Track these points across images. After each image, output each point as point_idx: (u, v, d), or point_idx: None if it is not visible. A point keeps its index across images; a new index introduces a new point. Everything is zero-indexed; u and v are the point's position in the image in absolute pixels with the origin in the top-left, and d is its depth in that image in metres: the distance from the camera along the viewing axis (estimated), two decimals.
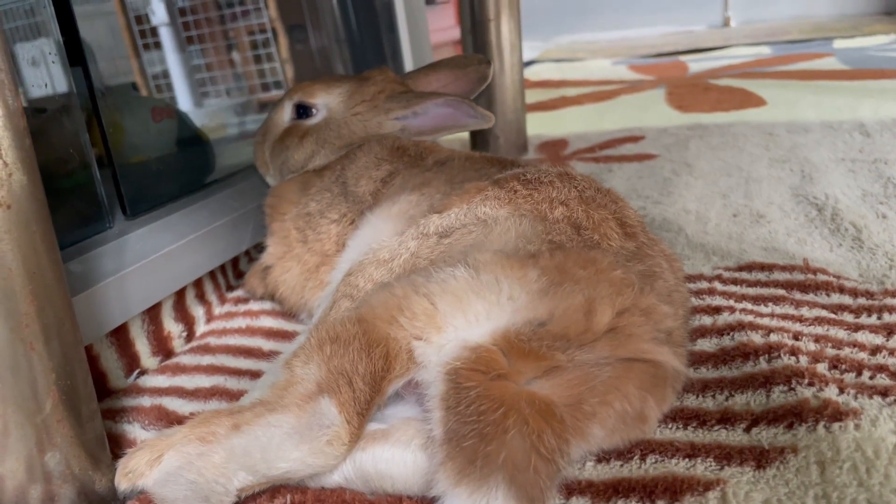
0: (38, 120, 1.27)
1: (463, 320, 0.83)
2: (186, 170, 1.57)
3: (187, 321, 1.36)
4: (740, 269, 1.32)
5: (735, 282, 1.27)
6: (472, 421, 0.75)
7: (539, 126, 2.84)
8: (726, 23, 6.22)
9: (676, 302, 0.91)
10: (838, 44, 4.33)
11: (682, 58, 4.51)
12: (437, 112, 1.34)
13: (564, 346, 0.80)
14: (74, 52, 1.33)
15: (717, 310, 1.14)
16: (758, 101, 2.85)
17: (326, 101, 1.41)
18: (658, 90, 3.37)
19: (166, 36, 2.86)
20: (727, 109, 2.77)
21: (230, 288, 1.54)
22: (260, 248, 1.43)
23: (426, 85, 1.48)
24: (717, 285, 1.25)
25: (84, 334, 1.09)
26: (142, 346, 1.26)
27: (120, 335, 1.22)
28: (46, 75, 1.25)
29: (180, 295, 1.35)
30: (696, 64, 4.13)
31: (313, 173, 1.38)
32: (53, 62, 1.25)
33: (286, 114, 1.44)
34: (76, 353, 0.84)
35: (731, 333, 1.06)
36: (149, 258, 1.23)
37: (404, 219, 1.13)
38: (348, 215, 1.28)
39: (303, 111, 1.41)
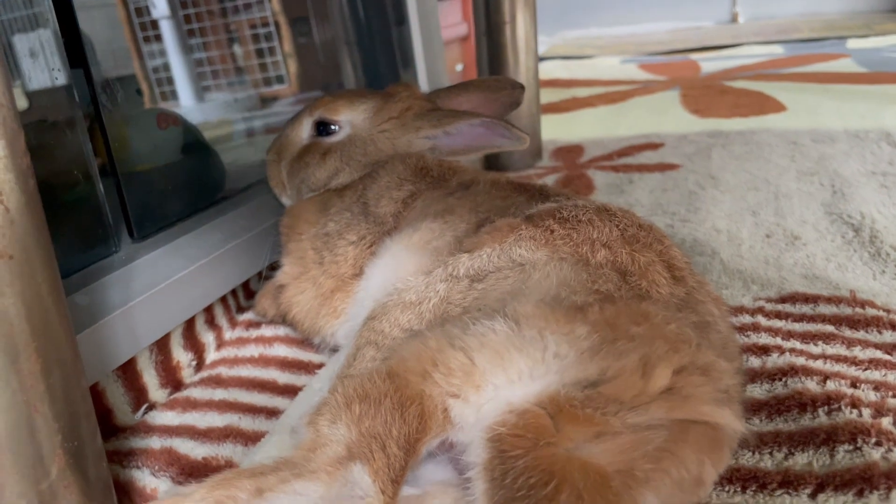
0: (37, 131, 1.19)
1: (504, 378, 0.76)
2: (195, 185, 1.49)
3: (197, 349, 1.29)
4: (783, 300, 1.25)
5: (779, 315, 1.20)
6: (522, 496, 0.68)
7: (552, 130, 2.76)
8: (734, 19, 6.14)
9: (732, 354, 0.84)
10: (852, 44, 4.25)
11: (693, 56, 4.42)
12: (469, 132, 1.26)
13: (616, 409, 0.73)
14: (75, 53, 1.25)
15: (765, 350, 1.07)
16: (777, 107, 2.77)
17: (350, 118, 1.34)
18: (672, 92, 3.30)
19: (167, 29, 2.79)
20: (746, 115, 2.70)
21: (241, 309, 1.47)
22: (274, 267, 1.36)
23: (456, 105, 1.40)
24: (761, 320, 1.18)
25: (89, 372, 1.02)
26: (149, 378, 1.19)
27: (126, 368, 1.15)
28: (47, 75, 1.17)
29: (190, 321, 1.28)
30: (708, 63, 4.05)
31: (334, 192, 1.31)
32: (54, 69, 1.17)
33: (305, 131, 1.37)
34: (84, 409, 0.77)
35: (784, 379, 0.99)
36: (158, 286, 1.16)
37: (428, 250, 1.06)
38: (367, 237, 1.21)
39: (324, 128, 1.34)
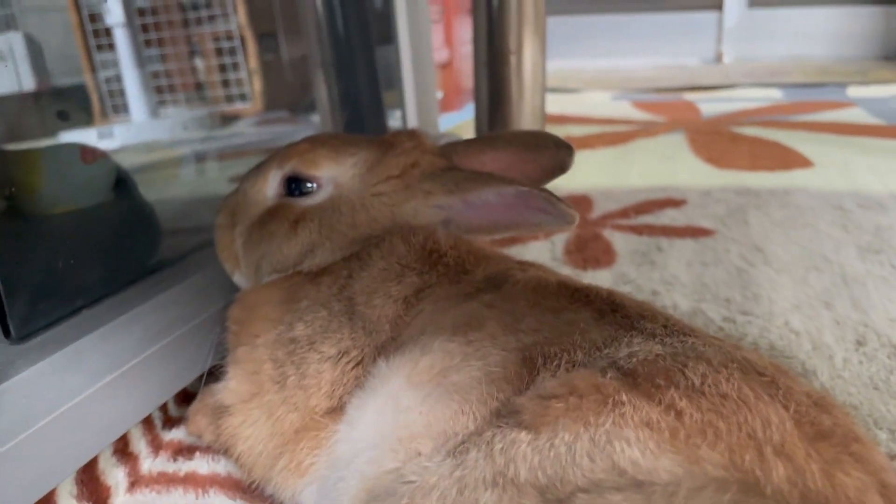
0: None
1: None
2: (113, 254, 1.09)
3: (97, 496, 0.90)
4: None
5: None
6: None
7: None
8: (719, 58, 5.96)
9: None
10: (853, 92, 4.02)
11: (688, 97, 4.15)
12: (497, 203, 0.90)
13: None
14: None
15: None
16: (802, 161, 2.48)
17: (334, 174, 0.97)
18: (677, 135, 2.99)
19: (121, 37, 2.51)
20: (771, 168, 2.39)
21: (168, 422, 1.08)
22: (217, 373, 0.97)
23: (478, 165, 1.03)
24: None
25: None
26: None
27: None
28: None
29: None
30: (707, 105, 3.77)
31: (306, 277, 0.93)
32: None
33: (271, 188, 0.99)
34: None
35: None
36: (44, 419, 0.77)
37: (444, 387, 0.69)
38: (352, 353, 0.84)
39: (297, 186, 0.97)
